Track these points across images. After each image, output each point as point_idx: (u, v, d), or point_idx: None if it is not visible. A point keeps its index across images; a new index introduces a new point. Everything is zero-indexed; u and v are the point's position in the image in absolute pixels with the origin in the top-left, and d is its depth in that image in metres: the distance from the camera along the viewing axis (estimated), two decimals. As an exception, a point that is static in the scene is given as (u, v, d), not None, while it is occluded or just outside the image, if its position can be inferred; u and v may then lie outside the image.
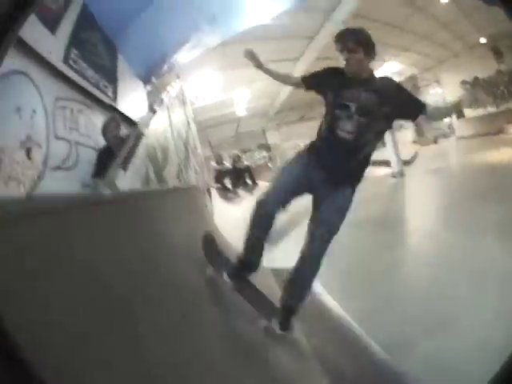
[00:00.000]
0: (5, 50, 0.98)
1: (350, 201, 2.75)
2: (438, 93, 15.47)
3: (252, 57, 2.98)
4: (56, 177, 3.87)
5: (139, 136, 4.13)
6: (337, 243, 4.80)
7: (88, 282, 1.41)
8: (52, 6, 3.95)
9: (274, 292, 3.59)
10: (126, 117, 5.85)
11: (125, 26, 5.38)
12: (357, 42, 2.55)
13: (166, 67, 6.94)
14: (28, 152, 3.45)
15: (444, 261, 3.85)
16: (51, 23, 3.95)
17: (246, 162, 12.29)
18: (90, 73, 4.87)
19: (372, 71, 2.68)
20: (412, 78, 16.04)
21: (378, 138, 2.74)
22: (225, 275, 2.82)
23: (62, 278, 1.28)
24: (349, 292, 3.65)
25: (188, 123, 8.29)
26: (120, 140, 4.51)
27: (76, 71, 4.52)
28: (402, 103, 2.62)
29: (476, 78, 13.79)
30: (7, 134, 3.18)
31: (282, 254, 5.03)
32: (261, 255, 2.85)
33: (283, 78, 3.16)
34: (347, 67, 2.61)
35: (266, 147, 15.49)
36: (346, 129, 2.55)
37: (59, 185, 3.88)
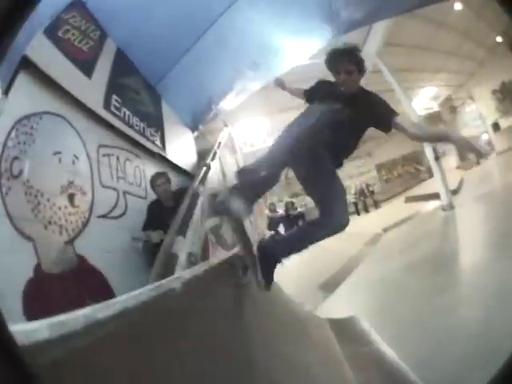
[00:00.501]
0: (4, 49, 0.84)
1: None
2: (473, 109, 15.76)
3: (279, 83, 3.24)
4: (103, 224, 3.78)
5: (195, 196, 3.94)
6: (389, 287, 4.98)
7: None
8: (83, 47, 4.01)
9: (331, 343, 3.61)
10: (176, 165, 5.80)
11: (165, 72, 5.45)
12: (353, 62, 2.50)
13: (212, 114, 6.87)
14: (71, 198, 3.36)
15: (500, 297, 3.47)
16: (85, 66, 4.00)
17: (299, 209, 12.18)
18: (134, 120, 4.86)
19: (360, 86, 2.62)
20: (448, 100, 15.86)
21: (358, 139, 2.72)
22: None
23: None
24: (402, 338, 3.41)
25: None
26: (170, 194, 4.41)
27: (120, 118, 4.52)
28: (375, 116, 2.51)
29: (503, 84, 13.85)
30: (45, 177, 3.10)
31: (338, 304, 5.15)
32: None
33: (298, 93, 3.20)
34: (345, 87, 2.55)
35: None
36: None
37: (106, 233, 3.78)
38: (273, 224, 10.80)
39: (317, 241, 2.52)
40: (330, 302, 5.35)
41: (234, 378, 1.62)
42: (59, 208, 3.14)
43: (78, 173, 3.57)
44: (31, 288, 2.55)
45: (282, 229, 10.93)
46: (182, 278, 1.58)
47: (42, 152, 3.07)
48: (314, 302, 5.35)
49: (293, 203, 11.95)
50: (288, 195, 13.17)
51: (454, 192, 10.18)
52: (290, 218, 11.30)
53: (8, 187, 2.64)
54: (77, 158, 3.59)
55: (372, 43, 9.83)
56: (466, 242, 5.89)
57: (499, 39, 12.11)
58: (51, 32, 3.43)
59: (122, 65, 4.77)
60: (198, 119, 6.91)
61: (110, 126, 4.28)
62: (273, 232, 10.46)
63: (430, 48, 11.40)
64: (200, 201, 3.88)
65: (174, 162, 5.76)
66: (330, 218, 2.42)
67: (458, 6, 9.89)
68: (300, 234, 2.72)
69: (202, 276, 1.98)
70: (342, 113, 2.44)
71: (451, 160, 15.99)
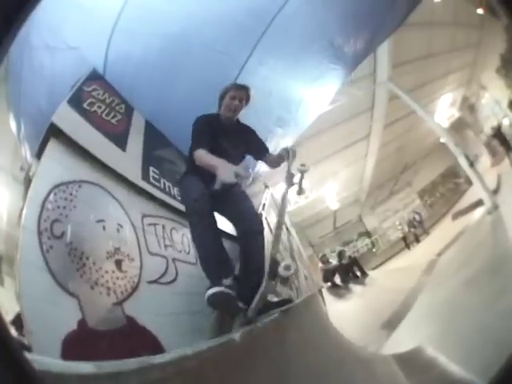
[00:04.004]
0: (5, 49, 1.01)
1: None
2: (488, 98, 13.93)
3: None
4: (154, 289, 3.88)
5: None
6: (452, 307, 4.87)
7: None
8: (111, 120, 4.36)
9: (398, 377, 3.59)
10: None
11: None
12: None
13: (250, 178, 7.02)
14: (118, 264, 3.53)
15: None
16: (117, 139, 4.31)
17: (351, 255, 12.16)
18: (175, 191, 5.02)
19: None
20: (465, 101, 15.14)
21: None
22: None
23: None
24: (470, 353, 3.28)
25: (288, 230, 8.13)
26: None
27: (160, 189, 4.74)
28: None
29: (501, 56, 11.90)
30: (90, 242, 3.30)
31: (403, 337, 5.12)
32: None
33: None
34: None
35: (367, 234, 15.03)
36: None
37: (157, 297, 3.88)
38: (328, 275, 10.75)
39: None
40: (393, 338, 5.30)
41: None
42: (106, 272, 3.29)
43: (124, 240, 3.74)
44: (73, 339, 2.60)
45: (338, 278, 10.87)
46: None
47: (84, 218, 3.30)
48: (378, 342, 5.25)
49: (344, 251, 12.01)
50: (339, 244, 13.10)
51: (495, 191, 9.83)
52: (343, 267, 11.23)
53: (49, 245, 2.83)
54: (121, 226, 3.79)
55: (382, 70, 10.07)
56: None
57: (480, 11, 10.82)
58: (75, 103, 3.77)
59: (154, 137, 5.07)
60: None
61: (151, 197, 4.49)
62: (329, 283, 10.41)
63: (431, 54, 11.27)
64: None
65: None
66: None
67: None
68: None
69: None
70: None
71: (484, 160, 14.74)
